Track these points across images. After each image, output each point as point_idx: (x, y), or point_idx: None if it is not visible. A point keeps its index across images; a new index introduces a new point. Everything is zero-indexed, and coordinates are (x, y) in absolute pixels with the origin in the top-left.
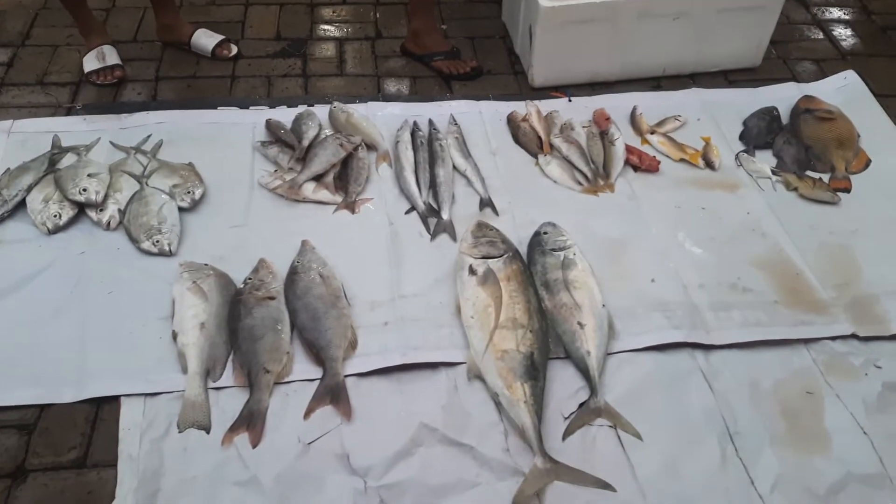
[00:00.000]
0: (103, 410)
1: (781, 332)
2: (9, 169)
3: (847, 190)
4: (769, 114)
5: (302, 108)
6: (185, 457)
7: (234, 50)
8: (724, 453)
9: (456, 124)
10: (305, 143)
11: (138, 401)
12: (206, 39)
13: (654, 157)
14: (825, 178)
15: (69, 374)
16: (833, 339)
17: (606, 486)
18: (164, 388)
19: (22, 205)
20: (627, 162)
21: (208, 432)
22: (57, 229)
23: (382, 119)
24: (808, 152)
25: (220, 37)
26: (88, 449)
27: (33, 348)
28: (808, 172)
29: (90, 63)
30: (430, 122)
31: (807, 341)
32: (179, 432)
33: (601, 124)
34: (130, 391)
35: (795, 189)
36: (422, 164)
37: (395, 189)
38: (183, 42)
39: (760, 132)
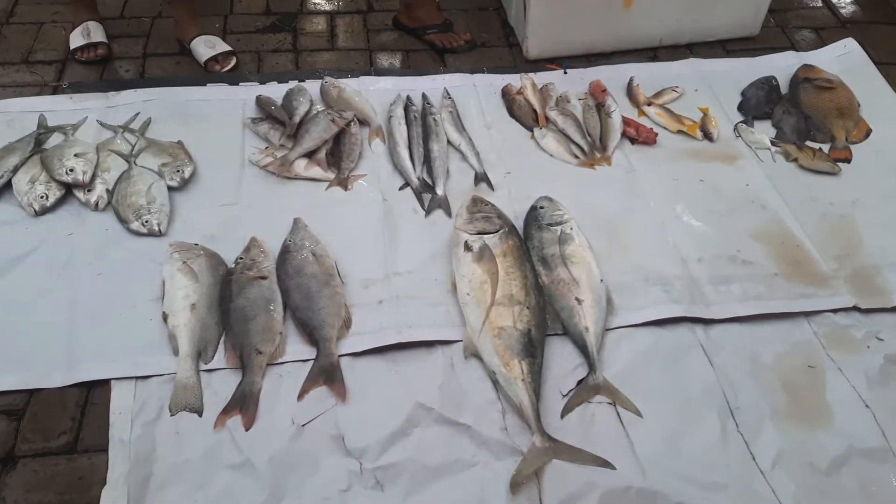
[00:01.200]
0: (93, 394)
1: (782, 305)
2: None
3: (847, 160)
4: (768, 83)
5: (293, 84)
6: (177, 440)
7: (232, 64)
8: (725, 429)
9: (450, 98)
10: (297, 119)
11: (129, 384)
12: (202, 49)
13: (652, 129)
14: (825, 148)
15: (58, 357)
16: (834, 311)
17: (606, 463)
18: (155, 370)
19: (8, 186)
20: (624, 134)
21: (200, 415)
22: (44, 210)
23: (375, 94)
24: (807, 122)
25: (221, 49)
26: (79, 434)
27: (21, 332)
28: (808, 143)
29: (76, 39)
30: (424, 96)
31: (808, 314)
32: (171, 415)
33: (597, 96)
34: (121, 374)
35: (795, 160)
36: (415, 139)
37: (388, 165)
38: (185, 41)
39: (759, 102)
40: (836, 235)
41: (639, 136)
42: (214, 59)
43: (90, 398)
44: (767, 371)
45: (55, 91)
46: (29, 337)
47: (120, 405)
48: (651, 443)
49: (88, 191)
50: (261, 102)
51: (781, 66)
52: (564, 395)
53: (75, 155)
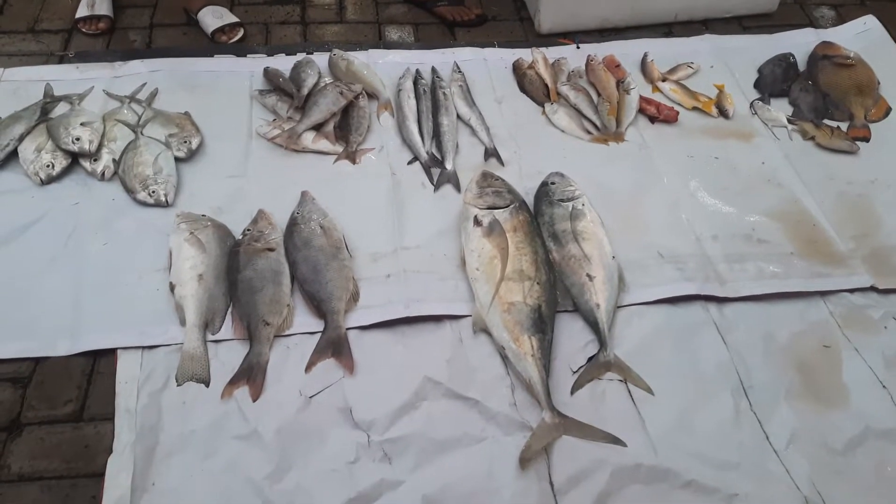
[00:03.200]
0: (100, 363)
1: (797, 284)
2: (0, 118)
3: (866, 139)
4: (785, 60)
5: (301, 56)
6: (183, 410)
7: (239, 35)
8: (738, 408)
9: (460, 72)
10: (304, 91)
11: (135, 354)
12: (210, 19)
13: (672, 107)
14: (843, 126)
15: (64, 326)
16: (851, 291)
17: (616, 440)
18: (162, 340)
19: (14, 155)
20: (644, 113)
21: (207, 385)
22: (50, 179)
23: (384, 67)
24: (825, 100)
25: (229, 19)
26: (85, 402)
27: (27, 301)
28: (826, 121)
29: (81, 9)
30: (434, 70)
31: (824, 294)
32: (178, 385)
33: (612, 71)
34: (127, 344)
35: (812, 138)
36: (425, 114)
37: (397, 139)
38: (192, 11)
39: (776, 79)
40: (853, 215)
41: (660, 115)
42: (221, 30)
43: (96, 367)
44: (782, 350)
45: (61, 60)
46: (35, 305)
47: (126, 374)
48: (663, 420)
49: (95, 160)
50: (268, 74)
51: (799, 43)
52: (575, 372)
53: (81, 124)
